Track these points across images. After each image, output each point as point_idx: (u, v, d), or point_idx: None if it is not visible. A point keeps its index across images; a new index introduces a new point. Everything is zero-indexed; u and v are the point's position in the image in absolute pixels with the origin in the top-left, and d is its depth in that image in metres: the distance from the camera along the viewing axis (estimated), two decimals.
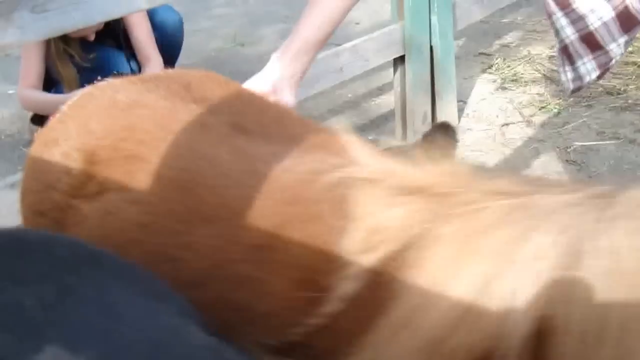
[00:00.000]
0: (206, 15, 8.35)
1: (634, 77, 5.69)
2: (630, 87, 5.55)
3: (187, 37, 5.73)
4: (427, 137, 2.58)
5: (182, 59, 5.78)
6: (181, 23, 5.55)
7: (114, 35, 5.20)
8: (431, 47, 4.95)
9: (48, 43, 4.98)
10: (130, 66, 5.26)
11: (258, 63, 6.49)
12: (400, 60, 4.94)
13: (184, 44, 5.72)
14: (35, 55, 5.00)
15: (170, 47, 5.44)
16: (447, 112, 5.17)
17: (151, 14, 5.29)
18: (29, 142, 5.42)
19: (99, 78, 4.61)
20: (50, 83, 5.20)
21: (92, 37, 5.07)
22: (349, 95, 5.95)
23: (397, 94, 5.03)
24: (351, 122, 5.52)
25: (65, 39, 4.98)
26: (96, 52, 5.13)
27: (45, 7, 3.03)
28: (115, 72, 4.79)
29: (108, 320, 1.31)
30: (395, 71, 5.02)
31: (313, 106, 5.78)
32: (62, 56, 5.07)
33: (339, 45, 4.73)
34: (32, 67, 5.03)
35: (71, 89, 5.01)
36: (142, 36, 5.20)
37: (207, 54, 7.12)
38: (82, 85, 4.94)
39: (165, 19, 5.43)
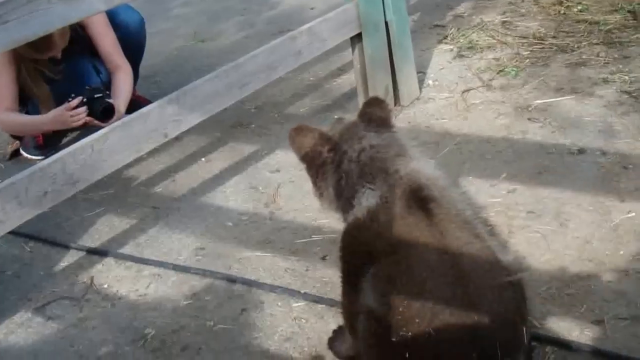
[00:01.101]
0: (165, 17, 8.41)
1: (585, 33, 5.83)
2: (583, 43, 5.68)
3: (148, 39, 5.78)
4: (363, 110, 2.96)
5: (144, 60, 5.84)
6: (143, 22, 5.60)
7: (81, 47, 5.24)
8: (386, 23, 5.03)
9: (19, 65, 5.03)
10: (100, 77, 5.31)
11: (219, 57, 6.65)
12: (357, 38, 5.03)
13: (146, 46, 5.77)
14: (6, 77, 5.03)
15: (133, 47, 5.49)
16: (408, 85, 5.27)
17: (112, 15, 5.33)
18: (9, 156, 5.50)
19: (73, 95, 4.73)
20: (24, 99, 5.23)
21: (59, 55, 5.11)
22: (311, 79, 6.05)
23: (358, 71, 5.12)
24: (316, 104, 5.62)
25: (34, 59, 5.03)
26: (65, 64, 5.17)
27: (5, 19, 3.10)
28: (88, 87, 4.85)
29: None
30: (353, 49, 5.11)
31: (277, 92, 5.88)
32: (34, 75, 5.12)
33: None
34: (6, 90, 5.06)
35: (47, 106, 5.07)
36: (109, 46, 5.24)
37: (169, 53, 7.18)
38: (56, 100, 5.01)
39: (127, 19, 5.47)
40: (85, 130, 4.90)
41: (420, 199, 2.71)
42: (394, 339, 2.53)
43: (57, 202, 3.62)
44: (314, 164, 3.07)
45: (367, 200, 2.83)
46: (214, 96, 4.14)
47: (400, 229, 2.69)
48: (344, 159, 2.95)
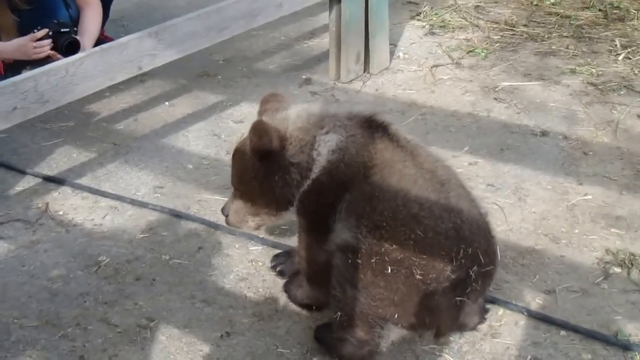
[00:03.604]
0: None
1: (556, 26, 5.92)
2: (553, 35, 5.76)
3: None
4: (262, 108, 3.17)
5: (114, 4, 5.74)
6: None
7: None
8: None
9: None
10: (68, 12, 5.21)
11: (188, 9, 6.55)
12: (336, 1, 5.03)
13: None
14: None
15: None
16: (379, 53, 5.29)
17: None
18: None
19: (38, 27, 4.64)
20: None
21: None
22: (282, 38, 6.03)
23: (332, 33, 5.12)
24: (285, 62, 5.61)
25: None
26: None
27: None
28: (55, 21, 4.77)
29: None
30: (330, 11, 5.10)
31: (246, 47, 5.85)
32: (0, 3, 5.00)
33: None
34: None
35: (9, 35, 4.95)
36: None
37: (139, 0, 7.09)
38: (20, 31, 4.91)
39: None
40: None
41: (381, 125, 2.91)
42: (376, 261, 2.67)
43: (25, 119, 3.57)
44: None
45: (327, 144, 2.89)
46: (192, 36, 4.12)
47: (373, 152, 2.83)
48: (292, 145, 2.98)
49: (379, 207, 2.71)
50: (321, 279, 2.92)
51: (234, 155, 3.12)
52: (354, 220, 2.73)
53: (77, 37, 4.74)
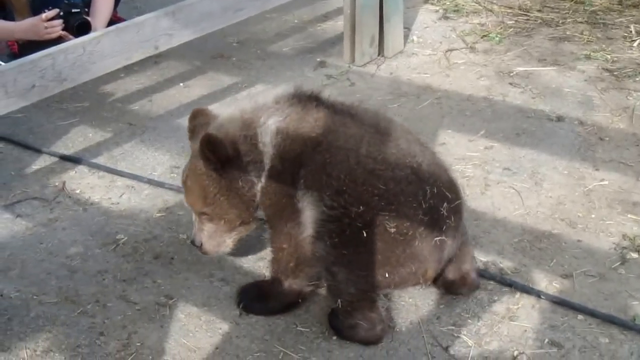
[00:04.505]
0: None
1: (570, 11, 5.91)
2: (567, 20, 5.75)
3: None
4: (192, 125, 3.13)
5: None
6: None
7: None
8: None
9: None
10: None
11: None
12: None
13: None
14: None
15: None
16: (394, 36, 5.29)
17: None
18: None
19: (50, 7, 4.63)
20: (2, 4, 5.10)
21: None
22: (295, 21, 6.04)
23: (347, 16, 5.12)
24: (299, 45, 5.61)
25: None
26: None
27: None
28: (66, 1, 4.77)
29: None
30: None
31: (260, 30, 5.86)
32: None
33: None
34: None
35: (22, 15, 4.96)
36: None
37: None
38: (33, 12, 4.91)
39: None
40: None
41: (311, 96, 2.99)
42: (349, 230, 2.74)
43: (42, 97, 3.57)
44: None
45: (268, 131, 2.92)
46: (208, 16, 4.12)
47: (312, 123, 2.89)
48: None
49: (335, 173, 2.77)
50: (308, 263, 2.97)
51: (186, 181, 3.05)
52: (316, 193, 2.79)
53: (89, 18, 4.74)
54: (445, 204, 2.78)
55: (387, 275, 2.79)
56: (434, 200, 2.76)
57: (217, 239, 3.08)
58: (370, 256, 2.75)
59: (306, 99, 2.98)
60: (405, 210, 2.73)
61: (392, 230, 2.72)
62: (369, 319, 2.88)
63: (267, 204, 2.98)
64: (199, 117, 3.15)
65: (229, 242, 3.11)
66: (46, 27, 4.64)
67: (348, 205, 2.73)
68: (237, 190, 2.96)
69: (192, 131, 3.13)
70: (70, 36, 4.60)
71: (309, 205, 2.83)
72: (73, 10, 4.71)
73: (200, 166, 2.95)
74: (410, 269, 2.81)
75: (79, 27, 4.65)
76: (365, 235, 2.72)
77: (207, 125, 3.03)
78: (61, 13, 4.66)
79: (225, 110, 3.15)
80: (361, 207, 2.72)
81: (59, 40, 4.58)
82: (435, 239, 2.79)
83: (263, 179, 2.94)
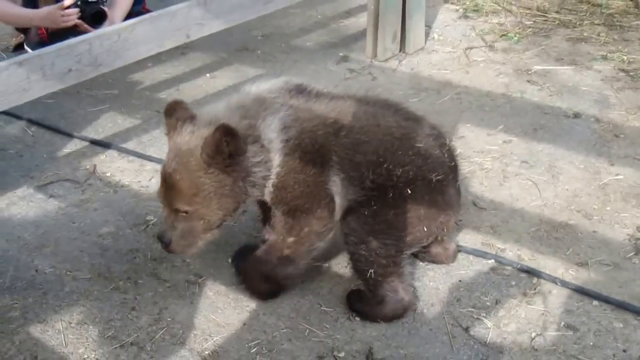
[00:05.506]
0: None
1: (587, 14, 6.01)
2: (584, 22, 5.85)
3: None
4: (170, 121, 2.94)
5: None
6: None
7: None
8: None
9: None
10: None
11: None
12: None
13: None
14: None
15: None
16: (415, 33, 5.41)
17: None
18: (13, 47, 5.47)
19: None
20: None
21: None
22: (319, 17, 6.16)
23: (371, 12, 5.23)
24: (322, 40, 5.73)
25: None
26: None
27: None
28: None
29: None
30: None
31: (284, 25, 5.98)
32: None
33: None
34: None
35: (46, 3, 5.06)
36: None
37: None
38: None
39: None
40: None
41: (306, 89, 3.07)
42: (392, 195, 2.94)
43: (78, 81, 3.70)
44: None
45: (271, 127, 2.91)
46: (239, 7, 4.24)
47: (328, 110, 3.00)
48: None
49: (370, 149, 2.93)
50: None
51: (172, 177, 2.85)
52: (354, 173, 2.94)
53: (105, 8, 4.82)
54: (454, 155, 3.15)
55: (424, 230, 2.99)
56: (449, 152, 3.09)
57: (190, 240, 2.94)
58: (415, 211, 2.95)
59: (301, 90, 3.04)
60: (438, 161, 3.00)
61: (435, 179, 2.95)
62: (396, 289, 3.01)
63: (291, 196, 2.94)
64: (178, 110, 2.95)
65: (200, 244, 2.98)
66: (62, 15, 4.74)
67: (390, 172, 2.90)
68: (236, 189, 2.88)
69: (173, 126, 2.93)
70: (86, 25, 4.70)
71: (344, 187, 2.95)
72: (90, 0, 4.81)
73: (195, 162, 2.80)
74: (443, 217, 3.04)
75: (94, 16, 4.74)
76: (409, 192, 2.91)
77: (192, 119, 2.90)
78: (78, 2, 4.76)
79: (210, 104, 3.18)
80: (401, 169, 2.91)
81: (75, 28, 4.68)
82: (457, 184, 3.13)
83: (274, 175, 2.92)
